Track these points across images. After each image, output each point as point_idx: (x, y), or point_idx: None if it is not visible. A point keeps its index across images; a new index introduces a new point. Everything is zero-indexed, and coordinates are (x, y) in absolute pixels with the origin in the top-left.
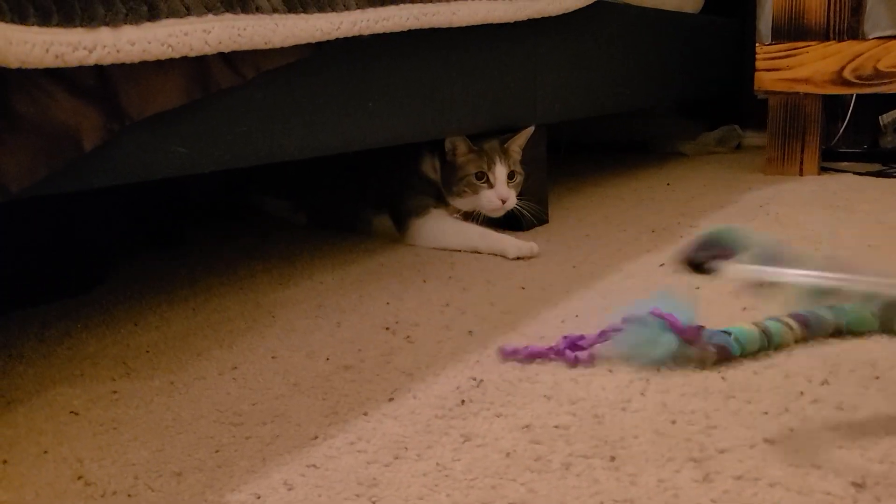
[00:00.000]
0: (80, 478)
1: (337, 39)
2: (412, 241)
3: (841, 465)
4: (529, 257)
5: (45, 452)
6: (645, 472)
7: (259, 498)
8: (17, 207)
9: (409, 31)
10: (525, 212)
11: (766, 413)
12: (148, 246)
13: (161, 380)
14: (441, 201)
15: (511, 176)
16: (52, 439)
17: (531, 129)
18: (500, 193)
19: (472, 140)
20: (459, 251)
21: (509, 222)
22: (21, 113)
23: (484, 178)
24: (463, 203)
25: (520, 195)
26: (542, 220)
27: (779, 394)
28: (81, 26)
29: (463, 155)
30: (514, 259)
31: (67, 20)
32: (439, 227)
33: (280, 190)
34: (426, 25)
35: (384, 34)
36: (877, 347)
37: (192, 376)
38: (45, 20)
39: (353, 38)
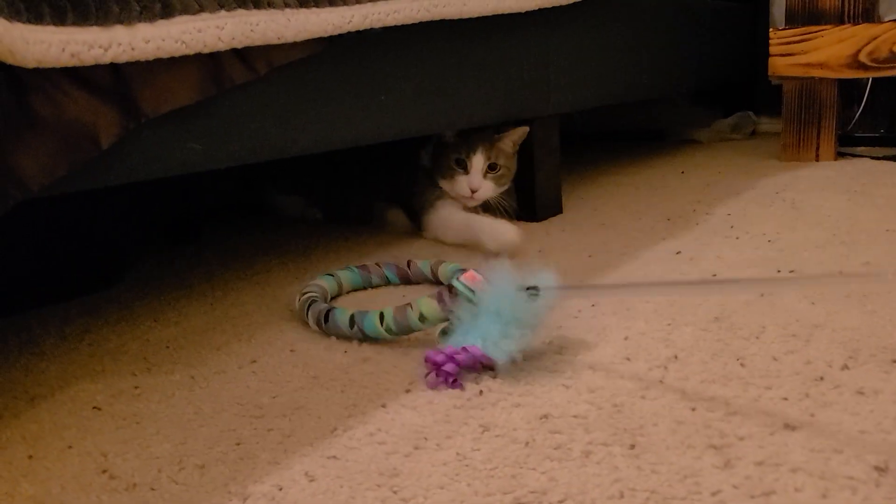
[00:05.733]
0: (104, 471)
1: (349, 33)
2: (429, 236)
3: (863, 450)
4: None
5: (70, 447)
6: (665, 459)
7: (281, 489)
8: (35, 206)
9: (421, 23)
10: (503, 208)
11: (786, 399)
12: (165, 243)
13: (181, 374)
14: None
15: (493, 167)
16: (76, 434)
17: (525, 128)
18: (471, 182)
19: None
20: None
21: (524, 213)
22: (39, 112)
23: (462, 164)
24: (447, 187)
25: (509, 191)
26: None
27: (799, 379)
28: (97, 25)
29: (449, 139)
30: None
31: (82, 19)
32: (442, 221)
33: (294, 186)
34: (437, 17)
35: (396, 27)
36: None
37: (212, 370)
38: (60, 19)
39: (365, 31)
